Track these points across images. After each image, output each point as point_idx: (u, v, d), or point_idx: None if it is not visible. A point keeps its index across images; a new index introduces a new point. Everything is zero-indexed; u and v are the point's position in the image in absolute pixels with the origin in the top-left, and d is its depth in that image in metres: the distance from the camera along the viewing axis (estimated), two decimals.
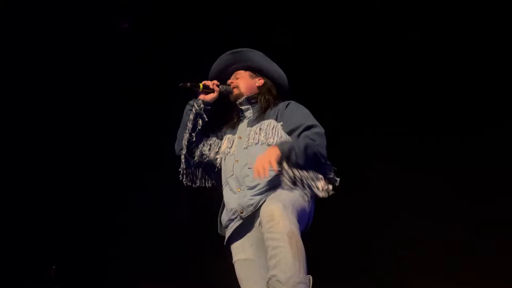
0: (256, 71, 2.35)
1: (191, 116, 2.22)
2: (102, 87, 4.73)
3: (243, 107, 2.30)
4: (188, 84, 2.26)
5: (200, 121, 2.23)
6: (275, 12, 4.13)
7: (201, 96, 2.27)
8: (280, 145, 1.89)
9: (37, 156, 4.76)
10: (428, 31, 3.96)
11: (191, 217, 4.40)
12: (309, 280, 1.60)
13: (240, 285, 2.01)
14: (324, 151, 1.97)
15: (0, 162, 4.32)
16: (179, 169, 2.27)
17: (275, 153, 1.83)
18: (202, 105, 2.23)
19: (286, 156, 1.84)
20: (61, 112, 4.81)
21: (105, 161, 4.95)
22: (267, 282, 1.61)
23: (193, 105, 2.24)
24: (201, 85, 2.27)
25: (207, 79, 2.34)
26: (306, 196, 1.89)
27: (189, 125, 2.22)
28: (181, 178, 2.28)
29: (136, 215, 4.54)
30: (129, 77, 4.62)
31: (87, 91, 4.75)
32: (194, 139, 2.22)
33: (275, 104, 2.23)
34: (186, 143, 2.21)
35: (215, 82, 2.31)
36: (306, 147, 1.88)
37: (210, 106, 2.28)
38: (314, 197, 1.94)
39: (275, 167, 1.80)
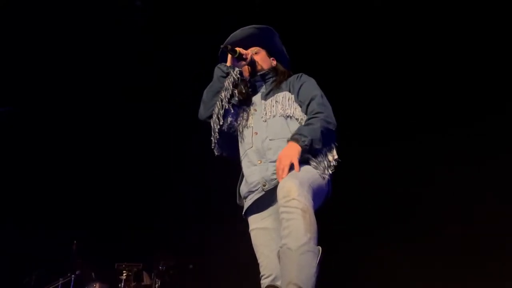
0: (272, 53, 2.34)
1: (227, 84, 2.12)
2: (102, 87, 4.73)
3: (257, 83, 2.26)
4: (229, 47, 2.14)
5: (236, 92, 2.12)
6: (275, 12, 4.12)
7: (231, 63, 2.18)
8: (300, 139, 1.88)
9: (38, 155, 4.83)
10: None
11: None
12: (319, 250, 1.64)
13: (256, 252, 2.03)
14: (333, 117, 2.00)
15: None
16: (211, 137, 2.15)
17: (296, 149, 1.84)
18: (238, 75, 2.13)
19: (307, 150, 1.87)
20: (61, 111, 4.83)
21: (104, 161, 4.96)
22: (278, 250, 1.67)
23: (230, 73, 2.14)
24: (238, 51, 2.15)
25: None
26: (325, 175, 1.89)
27: (225, 93, 2.11)
28: (213, 146, 2.16)
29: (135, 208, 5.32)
30: (129, 77, 4.62)
31: (88, 91, 4.75)
32: (228, 108, 2.11)
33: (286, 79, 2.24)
34: (221, 112, 2.10)
35: (250, 52, 2.23)
36: (322, 130, 1.92)
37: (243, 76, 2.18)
38: (332, 176, 1.94)
39: (297, 167, 1.80)
